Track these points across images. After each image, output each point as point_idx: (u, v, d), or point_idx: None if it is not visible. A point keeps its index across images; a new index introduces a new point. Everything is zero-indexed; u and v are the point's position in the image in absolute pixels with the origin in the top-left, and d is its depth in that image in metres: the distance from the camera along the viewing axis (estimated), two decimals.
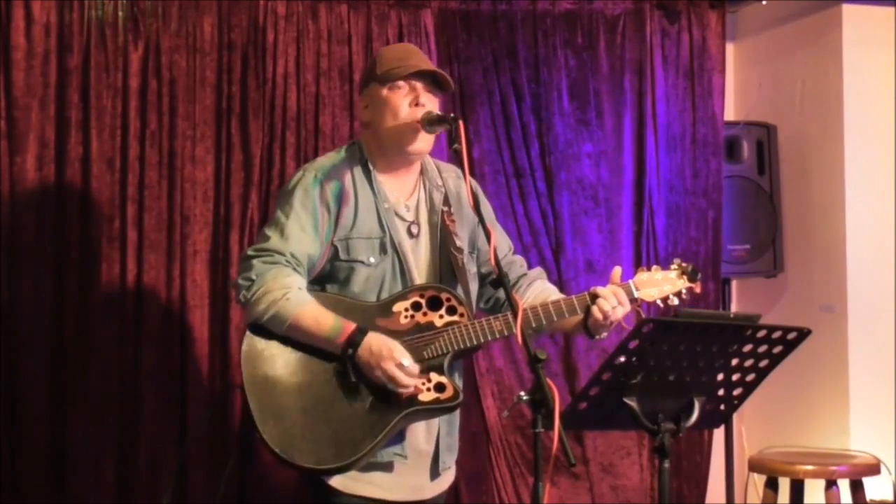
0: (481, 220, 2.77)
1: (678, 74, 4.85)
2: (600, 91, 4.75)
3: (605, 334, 2.95)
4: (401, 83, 2.88)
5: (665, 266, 3.00)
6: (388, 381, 2.73)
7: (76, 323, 4.05)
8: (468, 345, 2.82)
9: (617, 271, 2.92)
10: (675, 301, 2.95)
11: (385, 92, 2.88)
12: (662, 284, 2.95)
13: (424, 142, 2.89)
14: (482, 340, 2.83)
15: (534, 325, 2.88)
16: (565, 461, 2.34)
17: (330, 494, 2.82)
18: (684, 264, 2.98)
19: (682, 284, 2.97)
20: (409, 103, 2.87)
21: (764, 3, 5.04)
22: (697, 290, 3.00)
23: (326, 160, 2.96)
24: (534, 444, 2.43)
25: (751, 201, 4.95)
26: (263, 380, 2.77)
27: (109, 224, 4.10)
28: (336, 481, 2.81)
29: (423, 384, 2.78)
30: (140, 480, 4.07)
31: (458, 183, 3.04)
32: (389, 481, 2.85)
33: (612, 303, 2.86)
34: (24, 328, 3.99)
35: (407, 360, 2.74)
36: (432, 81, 2.91)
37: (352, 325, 2.75)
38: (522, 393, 2.42)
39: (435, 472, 2.94)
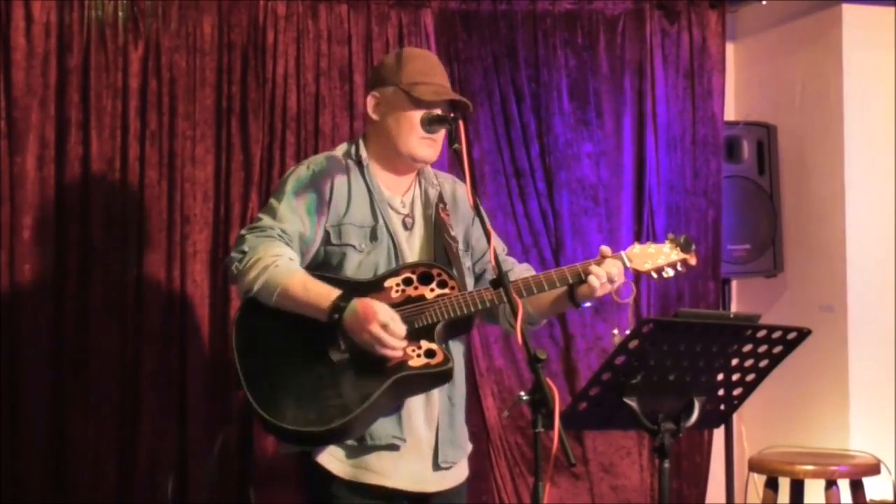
0: (481, 220, 2.77)
1: (678, 74, 4.85)
2: (600, 91, 4.75)
3: (588, 303, 2.94)
4: (423, 101, 2.90)
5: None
6: (374, 342, 2.71)
7: (76, 323, 4.05)
8: (459, 313, 2.81)
9: (605, 248, 2.91)
10: (671, 273, 2.94)
11: (406, 105, 2.91)
12: (656, 257, 2.93)
13: (432, 151, 2.94)
14: (472, 309, 2.82)
15: (524, 294, 2.86)
16: (565, 461, 2.33)
17: (329, 482, 2.83)
18: (677, 237, 2.97)
19: (677, 256, 2.94)
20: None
21: (764, 3, 5.04)
22: (692, 261, 2.96)
23: (321, 155, 3.02)
24: (534, 444, 2.43)
25: (751, 201, 4.95)
26: (253, 345, 2.78)
27: (109, 224, 4.10)
28: (335, 467, 2.82)
29: (414, 351, 2.77)
30: (140, 479, 4.07)
31: (453, 186, 3.09)
32: (389, 467, 2.85)
33: (603, 280, 2.85)
34: (24, 328, 3.99)
35: (392, 321, 2.72)
36: (451, 104, 2.96)
37: (336, 292, 2.75)
38: (522, 393, 2.42)
39: (435, 465, 2.93)
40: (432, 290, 2.83)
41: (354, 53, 4.41)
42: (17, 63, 4.02)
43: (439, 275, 2.85)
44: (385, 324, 2.71)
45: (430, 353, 2.78)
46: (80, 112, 4.10)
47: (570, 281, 2.88)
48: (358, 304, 2.73)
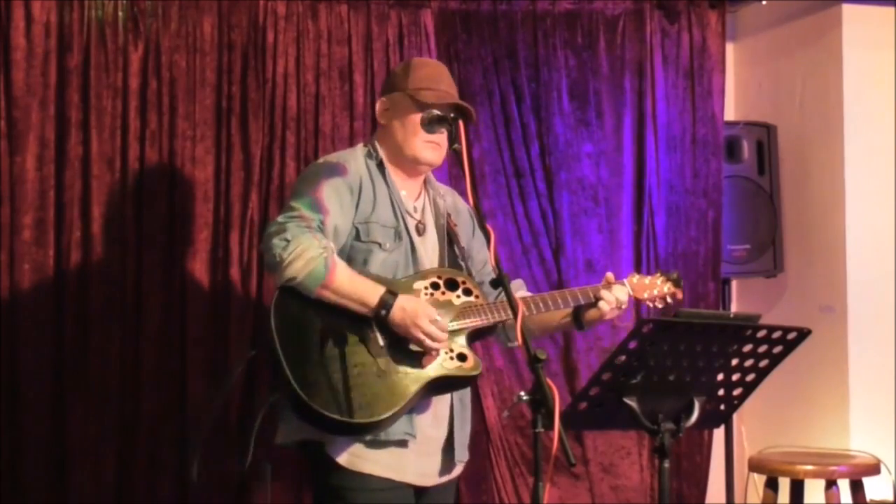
0: (480, 218, 2.79)
1: (678, 74, 4.85)
2: (600, 91, 4.75)
3: (590, 327, 3.13)
4: (427, 105, 2.94)
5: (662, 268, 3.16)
6: (423, 337, 2.80)
7: (76, 323, 4.05)
8: (487, 321, 2.93)
9: (610, 275, 3.09)
10: (660, 305, 3.15)
11: (412, 108, 2.98)
12: (651, 288, 3.13)
13: (436, 154, 3.02)
14: (499, 318, 2.95)
15: (543, 309, 3.00)
16: (565, 461, 2.35)
17: (336, 471, 2.87)
18: (669, 272, 3.18)
19: (668, 290, 3.14)
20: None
21: (764, 3, 5.04)
22: (679, 296, 3.17)
23: (344, 152, 3.10)
24: (534, 444, 2.44)
25: (751, 201, 4.95)
26: (292, 331, 2.81)
27: (109, 224, 4.10)
28: (343, 458, 2.87)
29: (447, 353, 2.86)
30: (140, 480, 4.07)
31: (454, 199, 3.21)
32: (397, 462, 2.90)
33: (613, 304, 3.03)
34: (25, 327, 3.99)
35: (439, 318, 2.83)
36: (456, 110, 2.99)
37: (383, 288, 2.83)
38: (522, 393, 2.44)
39: (448, 465, 3.01)
40: (458, 296, 2.95)
41: (354, 53, 4.40)
42: (17, 63, 4.02)
43: (464, 283, 2.97)
44: (434, 319, 2.82)
45: (461, 357, 2.88)
46: (80, 112, 4.10)
47: (581, 302, 3.04)
48: (405, 302, 2.82)
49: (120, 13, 4.14)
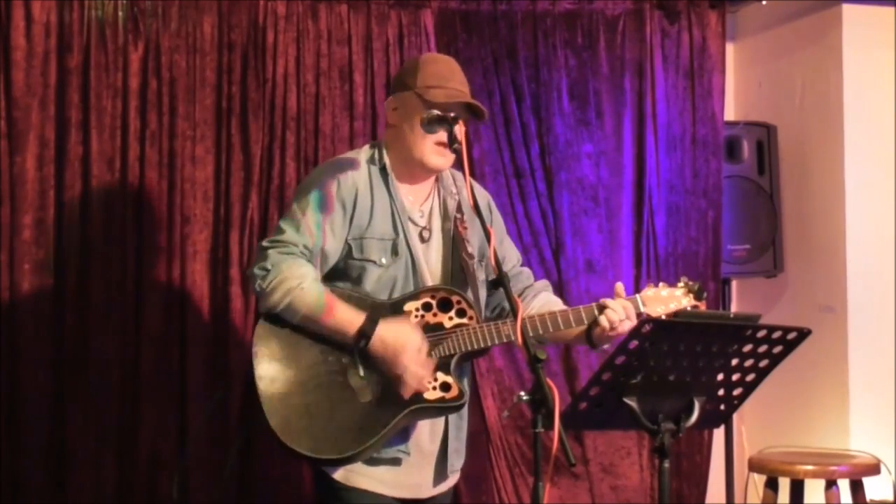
0: (480, 218, 2.78)
1: (678, 74, 4.85)
2: (600, 91, 4.75)
3: (606, 346, 2.97)
4: (436, 105, 2.87)
5: (670, 279, 3.02)
6: (402, 371, 2.75)
7: (76, 323, 4.05)
8: (476, 346, 2.85)
9: (620, 286, 2.95)
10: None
11: (420, 108, 2.87)
12: (668, 301, 2.97)
13: (445, 160, 2.92)
14: (490, 343, 2.86)
15: (541, 331, 2.90)
16: (565, 461, 2.34)
17: (333, 486, 2.86)
18: (691, 283, 3.01)
19: (688, 303, 2.98)
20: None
21: (764, 3, 5.04)
22: (702, 308, 3.00)
23: (345, 158, 2.99)
24: (534, 444, 2.44)
25: (751, 201, 4.95)
26: (273, 364, 2.79)
27: (109, 224, 4.10)
28: (339, 474, 2.85)
29: (430, 383, 2.81)
30: (140, 480, 4.07)
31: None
32: (391, 477, 2.88)
33: (621, 315, 2.88)
34: (24, 328, 3.99)
35: (422, 350, 2.77)
36: (466, 108, 2.94)
37: (363, 316, 2.77)
38: (522, 393, 2.43)
39: (442, 474, 2.96)
40: (451, 318, 2.86)
41: (354, 53, 4.40)
42: (17, 63, 4.02)
43: (458, 302, 2.86)
44: (414, 354, 2.75)
45: (445, 387, 2.82)
46: (80, 112, 4.10)
47: (586, 321, 2.90)
48: (386, 333, 2.76)
49: (120, 13, 4.14)
